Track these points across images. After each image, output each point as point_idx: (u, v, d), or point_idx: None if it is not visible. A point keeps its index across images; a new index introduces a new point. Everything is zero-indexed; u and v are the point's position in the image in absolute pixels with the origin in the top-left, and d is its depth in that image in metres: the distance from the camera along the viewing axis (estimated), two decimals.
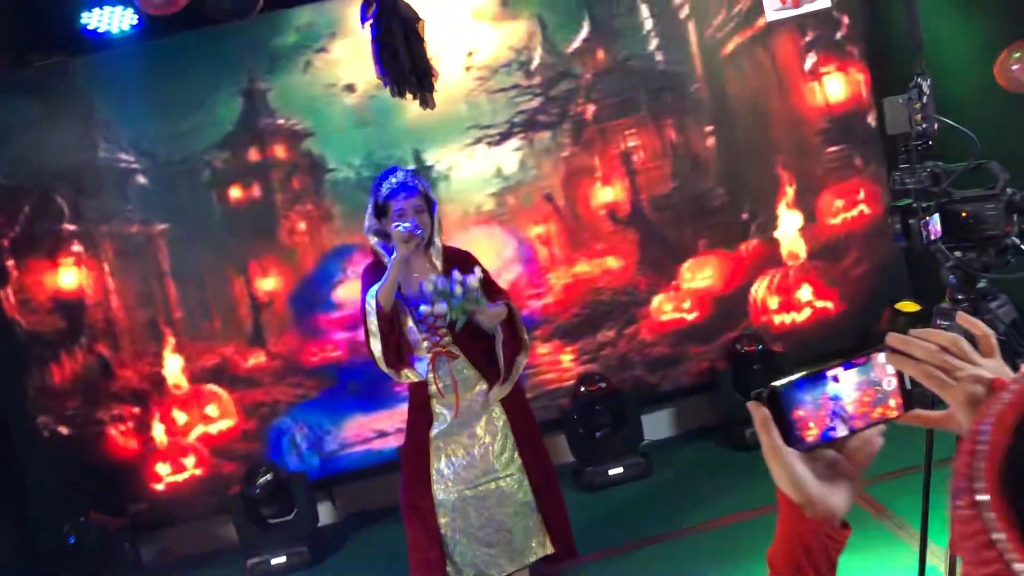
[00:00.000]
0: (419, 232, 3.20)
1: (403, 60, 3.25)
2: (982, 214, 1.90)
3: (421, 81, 3.57)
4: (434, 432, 3.42)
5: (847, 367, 0.97)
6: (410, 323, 3.32)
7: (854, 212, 5.35)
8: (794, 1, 5.12)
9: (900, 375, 0.99)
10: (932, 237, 1.93)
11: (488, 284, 3.54)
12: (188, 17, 4.14)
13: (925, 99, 1.99)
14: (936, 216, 1.93)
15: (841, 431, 0.96)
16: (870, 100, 5.27)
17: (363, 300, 3.31)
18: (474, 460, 3.41)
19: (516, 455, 3.46)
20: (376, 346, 3.26)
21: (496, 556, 3.42)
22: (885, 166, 5.30)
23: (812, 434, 0.95)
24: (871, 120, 5.29)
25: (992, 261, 1.91)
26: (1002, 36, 4.37)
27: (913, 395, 1.00)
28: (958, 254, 1.94)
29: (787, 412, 0.94)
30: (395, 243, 3.18)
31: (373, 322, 3.23)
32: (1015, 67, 4.17)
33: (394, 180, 3.30)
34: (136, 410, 5.08)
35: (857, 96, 5.28)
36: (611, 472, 4.91)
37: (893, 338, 0.99)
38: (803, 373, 0.95)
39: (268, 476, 4.72)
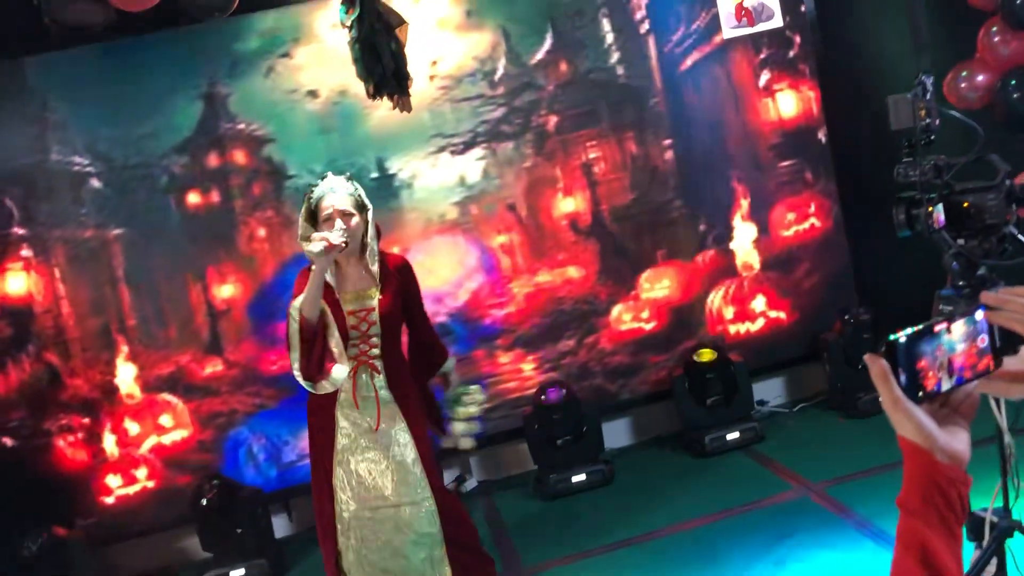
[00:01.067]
0: (338, 241, 3.08)
1: (386, 62, 3.25)
2: (983, 204, 2.01)
3: (400, 84, 3.58)
4: (339, 445, 3.30)
5: (957, 319, 1.01)
6: (336, 334, 3.19)
7: (805, 225, 5.53)
8: (749, 20, 5.28)
9: (991, 333, 1.03)
10: (936, 226, 2.03)
11: (417, 308, 3.48)
12: (159, 15, 4.06)
13: (929, 95, 2.10)
14: (940, 206, 2.03)
15: (947, 383, 1.00)
16: (820, 116, 5.46)
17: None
18: (375, 482, 3.30)
19: (426, 484, 3.33)
20: (296, 358, 3.15)
21: None
22: (835, 180, 5.49)
23: (931, 383, 0.98)
24: (822, 136, 5.48)
25: (992, 248, 2.02)
26: (947, 58, 4.60)
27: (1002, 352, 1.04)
28: (960, 242, 2.04)
29: (911, 363, 0.97)
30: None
31: (295, 334, 3.13)
32: (963, 85, 4.38)
33: (324, 185, 3.24)
34: (86, 420, 4.92)
35: (808, 112, 5.47)
36: (574, 479, 4.94)
37: (987, 296, 1.03)
38: (920, 327, 0.98)
39: (216, 488, 4.61)
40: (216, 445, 5.04)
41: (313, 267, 3.09)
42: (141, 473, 4.99)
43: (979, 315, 1.02)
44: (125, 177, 4.88)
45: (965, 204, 2.02)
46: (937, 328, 0.99)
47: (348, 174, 3.30)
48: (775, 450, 4.99)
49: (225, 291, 5.03)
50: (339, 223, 3.12)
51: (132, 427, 4.97)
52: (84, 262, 4.88)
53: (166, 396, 4.99)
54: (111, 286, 4.93)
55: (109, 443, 4.95)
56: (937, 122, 2.09)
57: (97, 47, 4.70)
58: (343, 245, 3.10)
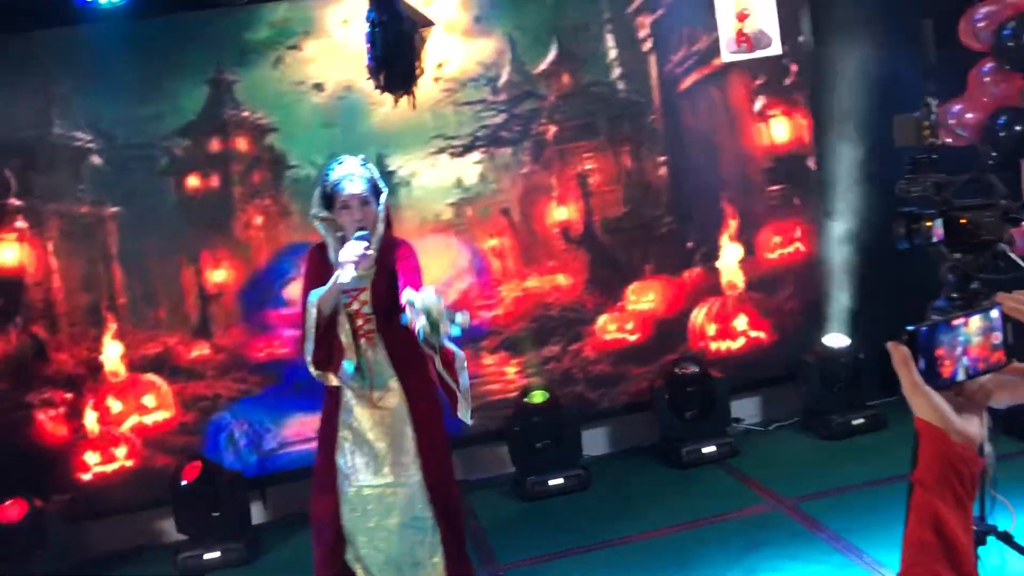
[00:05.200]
0: (367, 254, 3.15)
1: (411, 59, 3.33)
2: (981, 221, 2.12)
3: (416, 82, 3.66)
4: (340, 421, 3.39)
5: (974, 314, 1.08)
6: (346, 326, 3.29)
7: (790, 249, 5.65)
8: (748, 46, 5.42)
9: (1004, 331, 1.11)
10: (935, 239, 2.14)
11: (408, 275, 3.37)
12: None
13: (933, 117, 2.21)
14: (939, 221, 2.14)
15: (962, 374, 1.08)
16: (811, 144, 5.61)
17: (304, 295, 3.30)
18: (372, 460, 3.35)
19: (417, 469, 3.36)
20: (309, 347, 3.26)
21: (385, 564, 3.37)
22: (822, 208, 5.63)
23: (947, 371, 1.06)
24: (811, 164, 5.62)
25: (986, 263, 2.13)
26: (938, 94, 4.75)
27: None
28: (957, 256, 2.15)
29: (930, 350, 1.05)
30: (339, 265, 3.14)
31: (311, 324, 3.23)
32: (952, 121, 4.53)
33: (342, 170, 3.28)
34: (68, 396, 4.91)
35: (800, 140, 5.61)
36: (551, 482, 5.01)
37: (1003, 296, 1.12)
38: (940, 319, 1.06)
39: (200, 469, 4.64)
40: (197, 428, 5.05)
41: (337, 276, 3.12)
42: (120, 452, 4.99)
43: (994, 313, 1.10)
44: (126, 156, 4.90)
45: (963, 220, 2.13)
46: (955, 321, 1.07)
47: (362, 157, 3.36)
48: (749, 465, 5.09)
49: (218, 276, 5.06)
50: (355, 247, 3.15)
51: (115, 405, 4.98)
52: (78, 238, 4.89)
53: (151, 376, 5.00)
54: (104, 263, 4.94)
55: (90, 420, 4.95)
56: (939, 142, 2.21)
57: (107, 24, 4.73)
58: (372, 256, 3.21)
